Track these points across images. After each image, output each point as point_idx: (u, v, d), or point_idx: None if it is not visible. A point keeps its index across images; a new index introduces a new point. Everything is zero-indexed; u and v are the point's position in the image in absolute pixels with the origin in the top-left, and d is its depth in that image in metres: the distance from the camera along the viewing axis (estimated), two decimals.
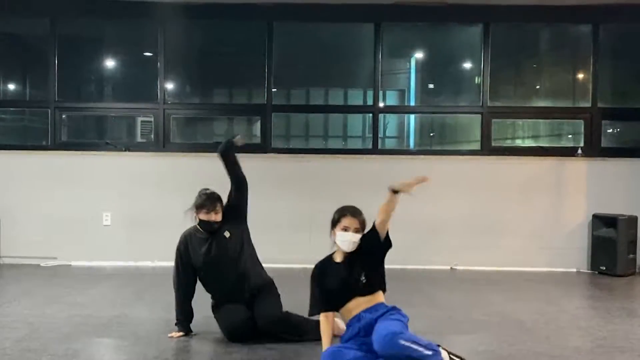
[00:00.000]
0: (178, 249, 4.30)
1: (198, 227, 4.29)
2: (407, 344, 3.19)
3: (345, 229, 3.58)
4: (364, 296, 3.54)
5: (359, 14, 7.21)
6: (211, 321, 4.33)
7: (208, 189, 4.34)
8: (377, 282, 3.61)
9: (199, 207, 4.23)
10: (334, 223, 3.64)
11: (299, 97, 8.13)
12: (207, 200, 4.22)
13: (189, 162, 7.11)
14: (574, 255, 7.05)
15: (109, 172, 7.07)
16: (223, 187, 6.96)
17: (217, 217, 4.21)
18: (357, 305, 3.54)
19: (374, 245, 3.59)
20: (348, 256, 3.63)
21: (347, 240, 3.58)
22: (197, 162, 7.10)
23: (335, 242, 3.65)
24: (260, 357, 3.80)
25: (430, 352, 3.20)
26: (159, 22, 7.23)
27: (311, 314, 3.75)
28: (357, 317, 3.51)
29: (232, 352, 3.87)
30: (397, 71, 8.31)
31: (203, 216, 4.21)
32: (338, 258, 3.68)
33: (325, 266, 3.72)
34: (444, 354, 3.28)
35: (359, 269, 3.59)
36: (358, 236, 3.61)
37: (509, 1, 6.99)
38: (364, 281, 3.56)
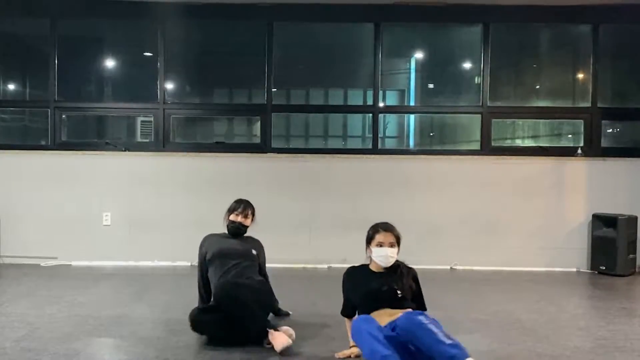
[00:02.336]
0: (200, 247, 4.58)
1: (226, 231, 4.59)
2: (426, 322, 3.23)
3: (380, 245, 3.70)
4: (394, 308, 3.59)
5: (359, 14, 7.21)
6: None
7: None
8: (409, 299, 3.72)
9: (231, 209, 4.58)
10: (369, 240, 3.77)
11: (299, 97, 8.13)
12: (240, 204, 4.59)
13: (189, 162, 7.11)
14: (574, 255, 7.05)
15: (109, 172, 7.07)
16: (223, 188, 6.99)
17: (245, 220, 4.55)
18: (386, 314, 3.56)
19: (411, 289, 3.77)
20: (386, 270, 3.76)
21: (383, 255, 3.71)
22: (197, 162, 7.11)
23: (371, 258, 3.78)
24: (261, 357, 3.80)
25: (449, 342, 3.15)
26: (159, 22, 7.23)
27: (343, 314, 3.92)
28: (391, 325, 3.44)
29: (233, 352, 3.87)
30: (397, 71, 8.30)
31: (233, 217, 4.53)
32: (374, 268, 3.79)
33: (358, 272, 3.83)
34: None
35: (397, 282, 3.70)
36: (394, 250, 3.72)
37: (509, 1, 7.00)
38: (399, 294, 3.66)
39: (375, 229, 3.78)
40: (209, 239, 4.59)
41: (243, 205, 4.57)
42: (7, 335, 4.13)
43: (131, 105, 7.43)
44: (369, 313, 3.58)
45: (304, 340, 4.12)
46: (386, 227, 3.78)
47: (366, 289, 3.71)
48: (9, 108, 7.74)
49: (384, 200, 6.89)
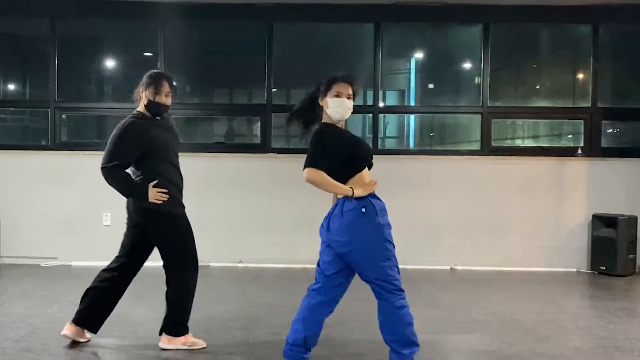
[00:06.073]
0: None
1: (144, 111, 4.01)
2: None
3: (338, 95, 3.37)
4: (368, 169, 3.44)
5: (359, 14, 7.21)
6: (211, 321, 4.33)
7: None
8: None
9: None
10: (324, 91, 3.40)
11: (299, 97, 8.10)
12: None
13: (188, 162, 7.03)
14: (574, 255, 7.04)
15: None
16: (223, 188, 6.96)
17: (168, 100, 4.04)
18: (367, 175, 3.40)
19: None
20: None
21: (342, 105, 3.36)
22: (197, 162, 7.08)
23: (326, 111, 3.41)
24: (261, 357, 3.80)
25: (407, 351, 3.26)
26: (159, 22, 7.23)
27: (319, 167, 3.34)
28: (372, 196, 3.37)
29: (233, 353, 3.88)
30: (397, 71, 8.31)
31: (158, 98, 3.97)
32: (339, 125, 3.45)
33: (333, 129, 3.39)
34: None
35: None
36: (351, 102, 3.41)
37: (509, 1, 6.99)
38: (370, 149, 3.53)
39: (332, 81, 3.39)
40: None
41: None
42: (7, 335, 4.13)
43: (131, 105, 7.38)
44: (356, 174, 3.36)
45: None
46: (345, 78, 3.41)
47: (360, 145, 3.45)
48: (9, 108, 7.74)
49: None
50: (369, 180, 3.37)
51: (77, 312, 3.95)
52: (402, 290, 3.30)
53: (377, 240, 3.29)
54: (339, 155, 3.31)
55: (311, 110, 3.50)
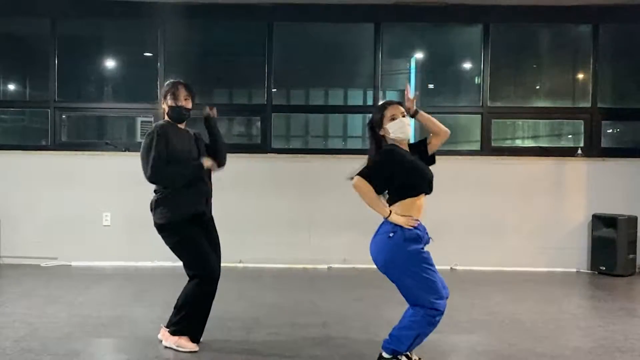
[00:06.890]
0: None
1: (168, 120, 4.07)
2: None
3: (394, 118, 3.50)
4: (425, 195, 3.56)
5: (359, 14, 7.21)
6: (211, 321, 4.32)
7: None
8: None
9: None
10: (379, 121, 3.53)
11: (299, 97, 8.13)
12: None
13: None
14: (574, 255, 7.05)
15: (109, 172, 7.06)
16: (224, 188, 6.96)
17: (187, 103, 4.07)
18: (422, 204, 3.55)
19: (423, 158, 3.61)
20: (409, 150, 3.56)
21: (402, 125, 3.50)
22: None
23: (389, 137, 3.52)
24: (261, 357, 3.80)
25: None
26: (159, 22, 7.23)
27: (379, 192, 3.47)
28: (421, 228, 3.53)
29: (232, 353, 3.88)
30: (397, 71, 8.30)
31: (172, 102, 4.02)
32: (404, 148, 3.54)
33: (399, 152, 3.50)
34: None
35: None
36: (408, 119, 3.56)
37: (509, 1, 7.00)
38: (431, 178, 3.59)
39: (382, 108, 3.55)
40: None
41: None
42: (7, 335, 4.13)
43: (131, 105, 7.42)
44: (414, 196, 3.51)
45: (304, 340, 4.13)
46: (392, 102, 3.62)
47: (421, 166, 3.56)
48: (9, 108, 7.74)
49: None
50: (410, 217, 3.48)
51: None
52: (436, 309, 3.38)
53: (403, 266, 3.42)
54: (396, 179, 3.42)
55: (375, 136, 3.61)
